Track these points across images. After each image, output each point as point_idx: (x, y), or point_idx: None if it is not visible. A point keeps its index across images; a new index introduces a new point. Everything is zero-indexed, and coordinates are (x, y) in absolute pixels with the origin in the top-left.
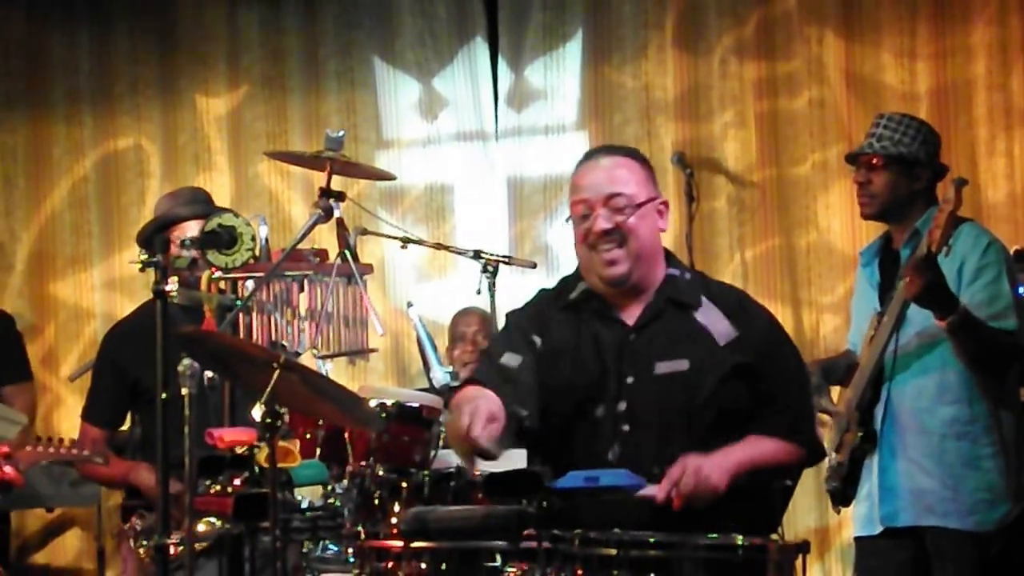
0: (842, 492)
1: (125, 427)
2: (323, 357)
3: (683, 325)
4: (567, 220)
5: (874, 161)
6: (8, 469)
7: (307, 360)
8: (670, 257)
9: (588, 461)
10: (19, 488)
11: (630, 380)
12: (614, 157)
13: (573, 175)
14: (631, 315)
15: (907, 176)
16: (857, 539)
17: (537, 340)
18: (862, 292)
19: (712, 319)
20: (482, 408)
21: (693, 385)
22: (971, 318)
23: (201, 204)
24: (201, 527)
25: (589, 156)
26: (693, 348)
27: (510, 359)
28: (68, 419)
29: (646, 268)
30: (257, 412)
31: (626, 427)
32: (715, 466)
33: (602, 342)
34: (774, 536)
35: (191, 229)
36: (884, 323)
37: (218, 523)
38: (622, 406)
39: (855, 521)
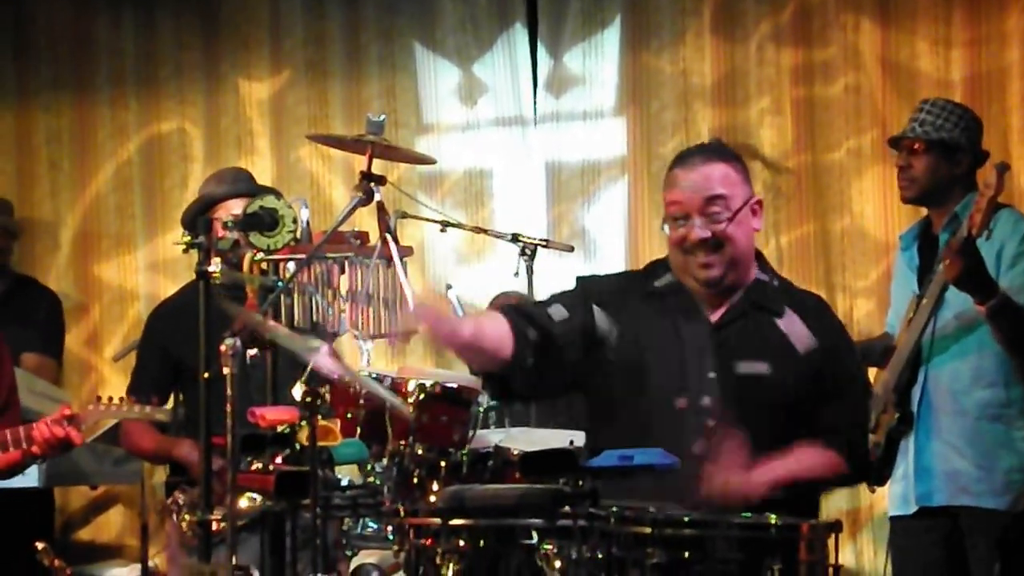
0: (878, 472)
1: (168, 406)
2: (371, 337)
3: (765, 329)
4: (663, 225)
5: (915, 146)
6: (71, 430)
7: (346, 341)
8: (761, 260)
9: (671, 451)
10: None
11: (711, 375)
12: (711, 161)
13: (668, 174)
14: (715, 313)
15: (947, 161)
16: (892, 518)
17: (598, 312)
18: (901, 275)
19: (794, 327)
20: (473, 323)
21: (774, 389)
22: (1010, 303)
23: (243, 183)
24: (243, 503)
25: (685, 158)
26: (774, 353)
27: (557, 311)
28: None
29: (741, 271)
30: (297, 391)
31: (711, 422)
32: (753, 484)
33: (684, 335)
34: None
35: (234, 207)
36: (923, 306)
37: (259, 500)
38: (706, 400)
39: (890, 501)
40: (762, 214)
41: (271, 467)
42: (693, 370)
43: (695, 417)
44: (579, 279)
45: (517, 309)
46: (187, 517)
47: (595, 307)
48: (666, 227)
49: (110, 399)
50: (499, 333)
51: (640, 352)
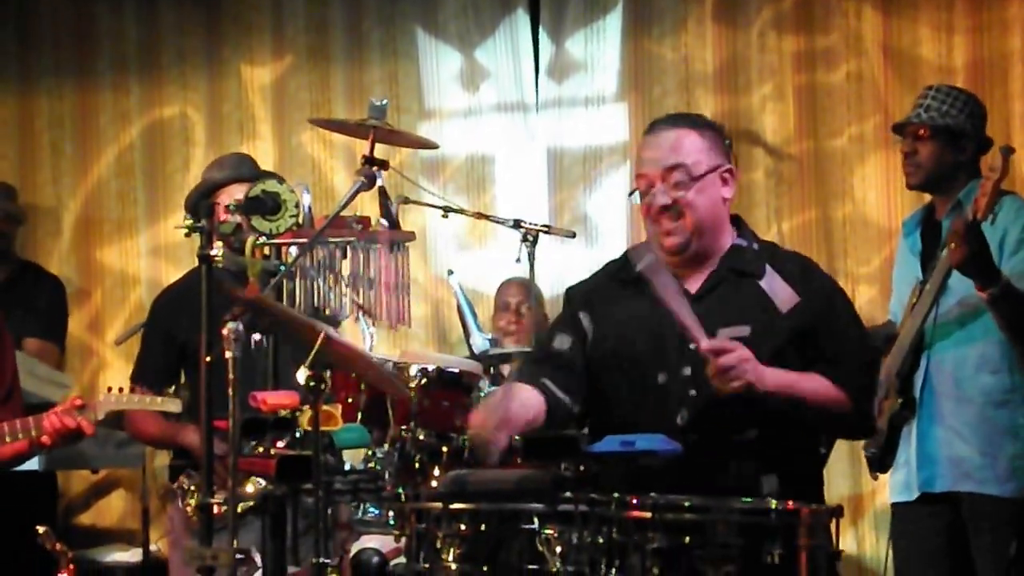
0: (880, 458)
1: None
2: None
3: (746, 293)
4: (630, 194)
5: (921, 131)
6: (83, 420)
7: (347, 325)
8: (741, 226)
9: (657, 426)
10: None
11: (691, 347)
12: (675, 128)
13: (638, 147)
14: (694, 284)
15: (952, 147)
16: (894, 505)
17: (583, 318)
18: (904, 261)
19: (775, 287)
20: (503, 408)
21: (757, 348)
22: (1013, 290)
23: (245, 167)
24: (248, 488)
25: (651, 127)
26: (755, 314)
27: (561, 342)
28: (114, 382)
29: (708, 238)
30: (301, 376)
31: (693, 391)
32: (762, 369)
33: (662, 312)
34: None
35: (236, 192)
36: (926, 291)
37: (263, 483)
38: (687, 371)
39: (892, 487)
40: (733, 182)
41: (272, 451)
42: (672, 344)
43: (677, 389)
44: (566, 291)
45: (532, 373)
46: (192, 501)
47: (579, 314)
48: (634, 197)
49: (120, 389)
50: (530, 409)
51: (617, 339)
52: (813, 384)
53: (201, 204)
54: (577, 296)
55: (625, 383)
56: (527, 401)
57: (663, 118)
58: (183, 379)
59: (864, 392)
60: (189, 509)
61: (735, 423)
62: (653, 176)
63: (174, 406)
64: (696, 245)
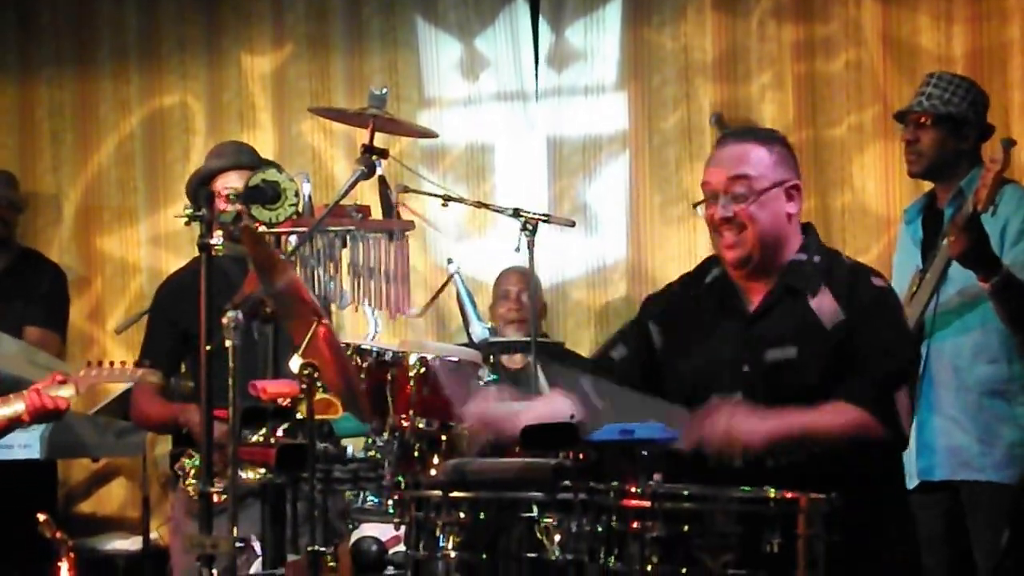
0: None
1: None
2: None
3: (797, 312)
4: (695, 205)
5: (922, 119)
6: (59, 398)
7: (348, 313)
8: (809, 238)
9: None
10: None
11: (746, 369)
12: (743, 142)
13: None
14: (755, 300)
15: (955, 135)
16: None
17: (653, 329)
18: (905, 249)
19: (824, 304)
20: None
21: (800, 372)
22: (1014, 280)
23: (245, 155)
24: (244, 475)
25: (721, 139)
26: (802, 334)
27: (618, 351)
28: None
29: (770, 253)
30: (295, 364)
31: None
32: (750, 427)
33: (721, 330)
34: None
35: (233, 180)
36: (926, 280)
37: (262, 472)
38: (738, 396)
39: None
40: (799, 198)
41: (272, 440)
42: (726, 366)
43: None
44: (644, 300)
45: (583, 370)
46: (192, 483)
47: (650, 324)
48: (699, 208)
49: (100, 363)
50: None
51: (682, 355)
52: (824, 416)
53: (200, 192)
54: (650, 307)
55: (682, 399)
56: (541, 409)
57: (734, 130)
58: (184, 368)
59: (883, 409)
60: (191, 489)
61: (779, 451)
62: (716, 186)
63: (154, 377)
64: (758, 259)
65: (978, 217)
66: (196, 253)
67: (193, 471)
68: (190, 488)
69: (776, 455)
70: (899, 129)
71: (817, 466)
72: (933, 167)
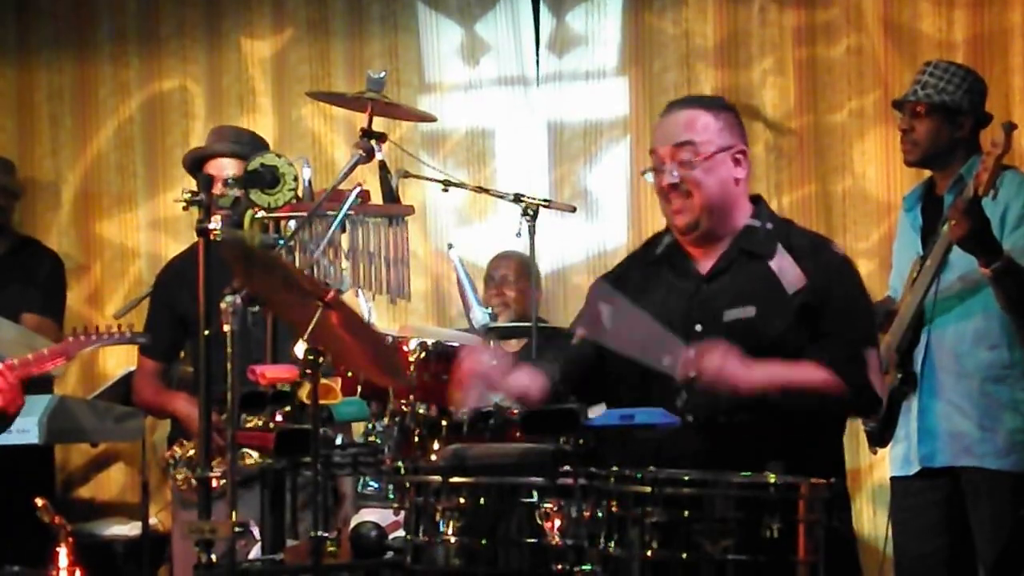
0: (879, 433)
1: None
2: None
3: (755, 273)
4: (643, 172)
5: (917, 108)
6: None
7: (348, 299)
8: (759, 206)
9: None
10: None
11: (698, 328)
12: (689, 108)
13: (653, 126)
14: (706, 264)
15: (949, 124)
16: (893, 479)
17: (604, 308)
18: (904, 236)
19: (784, 267)
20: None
21: (759, 331)
22: (1014, 265)
23: (245, 144)
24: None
25: (668, 107)
26: (761, 295)
27: (576, 336)
28: (113, 355)
29: (719, 218)
30: (299, 349)
31: (693, 374)
32: (742, 372)
33: (674, 293)
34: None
35: (224, 166)
36: (926, 267)
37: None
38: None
39: (892, 462)
40: (747, 163)
41: (271, 425)
42: (679, 327)
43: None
44: (591, 285)
45: (546, 350)
46: (182, 472)
47: (600, 304)
48: (647, 176)
49: (85, 328)
50: (532, 382)
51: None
52: (803, 373)
53: (199, 176)
54: (600, 287)
55: (636, 366)
56: (520, 376)
57: (679, 99)
58: (183, 353)
59: (856, 370)
60: (179, 478)
61: (729, 407)
62: (663, 153)
63: (142, 339)
64: (706, 224)
65: (979, 201)
66: (195, 238)
67: (179, 459)
68: (179, 478)
69: (730, 412)
70: (899, 116)
71: (764, 429)
72: (928, 156)
